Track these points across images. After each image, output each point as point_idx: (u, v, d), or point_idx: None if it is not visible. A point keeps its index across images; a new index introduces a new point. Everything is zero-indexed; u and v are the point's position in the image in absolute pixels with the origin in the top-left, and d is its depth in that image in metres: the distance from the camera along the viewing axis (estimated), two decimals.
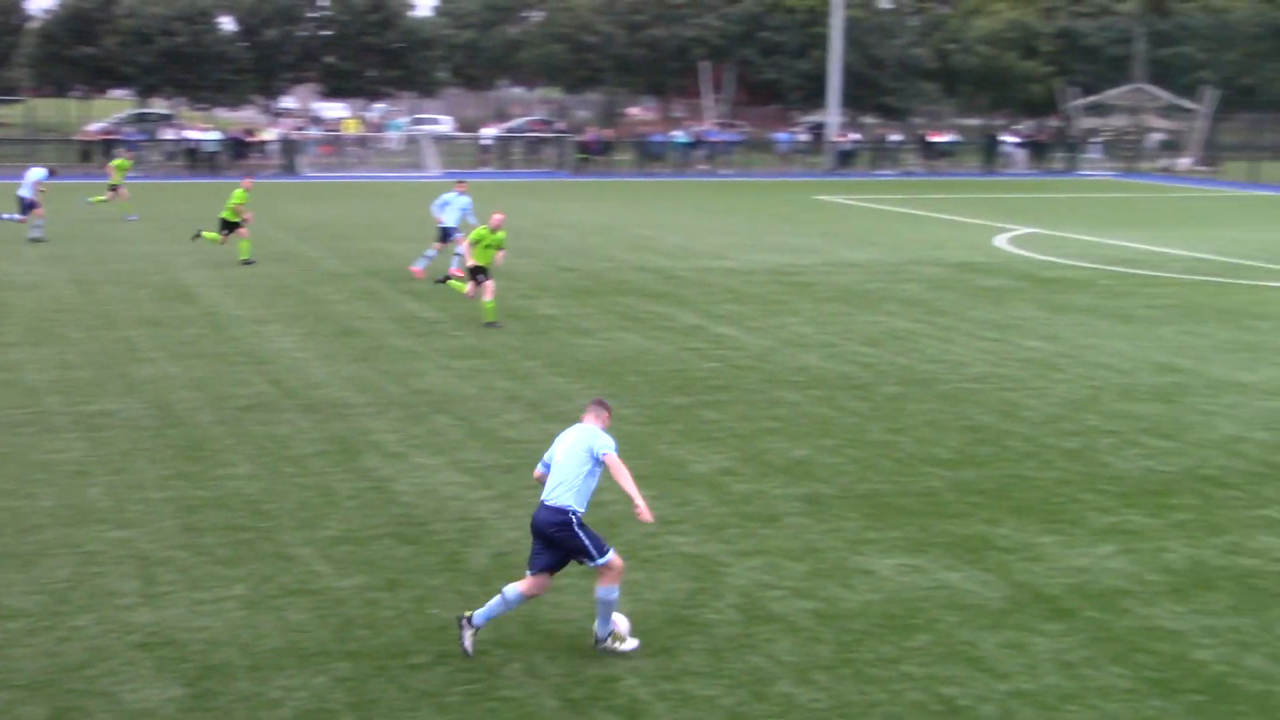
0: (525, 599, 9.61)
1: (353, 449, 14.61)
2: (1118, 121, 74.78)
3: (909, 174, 64.11)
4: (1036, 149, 68.96)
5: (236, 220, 28.55)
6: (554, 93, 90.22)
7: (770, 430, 15.61)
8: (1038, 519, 12.56)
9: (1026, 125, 77.42)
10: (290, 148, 57.70)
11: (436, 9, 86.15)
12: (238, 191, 28.71)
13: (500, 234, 22.01)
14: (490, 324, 21.70)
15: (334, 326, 21.66)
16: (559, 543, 9.45)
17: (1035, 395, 17.57)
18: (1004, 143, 69.13)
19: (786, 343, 20.85)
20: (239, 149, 57.78)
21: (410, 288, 25.59)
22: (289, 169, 56.37)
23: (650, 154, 63.12)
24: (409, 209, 39.51)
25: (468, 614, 9.64)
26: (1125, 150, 71.80)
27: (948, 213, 43.52)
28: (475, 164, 61.52)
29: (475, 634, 9.57)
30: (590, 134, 62.86)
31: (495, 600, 9.60)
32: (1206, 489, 13.56)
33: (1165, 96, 72.98)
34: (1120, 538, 12.06)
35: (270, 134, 61.67)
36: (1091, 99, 74.59)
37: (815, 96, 74.10)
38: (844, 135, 67.27)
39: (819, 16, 73.35)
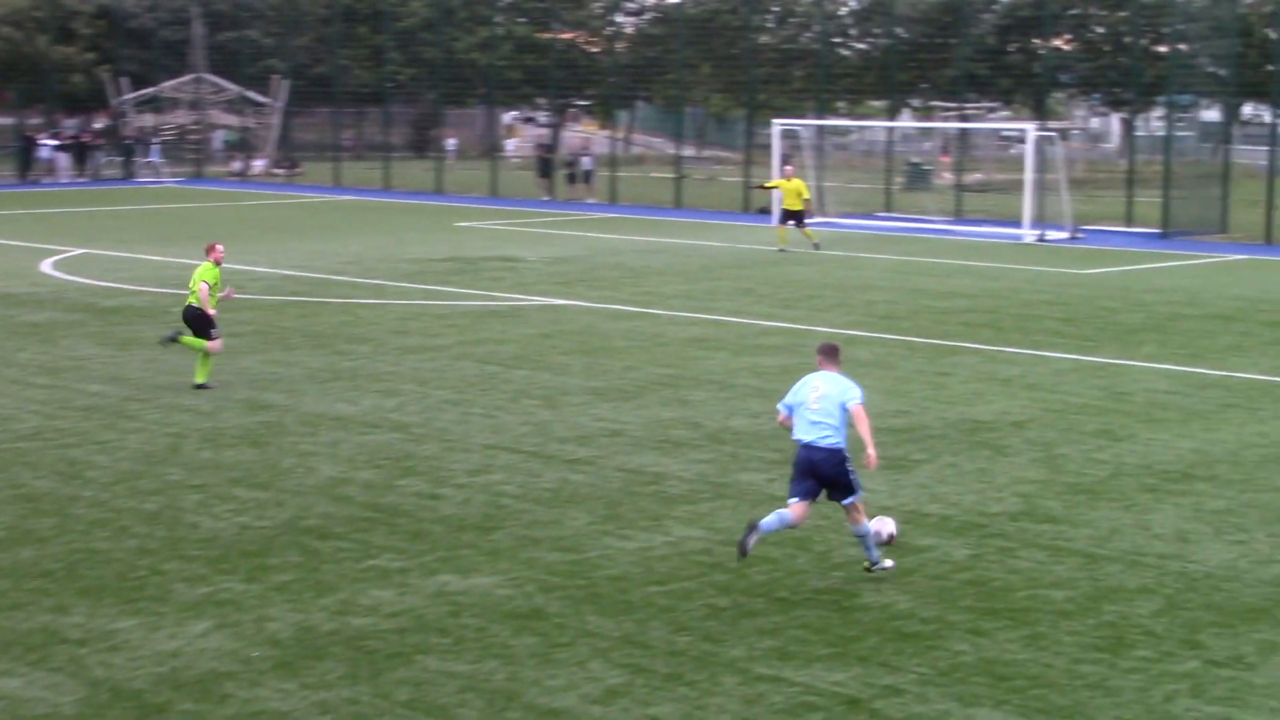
0: (793, 526, 12.96)
1: None
2: (179, 118, 75.95)
3: None
4: (83, 153, 68.51)
5: None
6: None
7: None
8: (116, 599, 12.45)
9: (69, 124, 76.60)
10: None
11: None
12: None
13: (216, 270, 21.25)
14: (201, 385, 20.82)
15: None
16: (831, 478, 12.79)
17: (104, 450, 17.43)
18: (43, 146, 68.04)
19: None
20: None
21: None
22: None
23: None
24: None
25: (755, 520, 12.80)
26: (190, 152, 73.11)
27: None
28: None
29: (757, 539, 12.75)
30: None
31: (774, 517, 12.82)
32: (310, 543, 14.09)
33: (232, 89, 75.10)
34: (216, 610, 12.23)
35: None
36: (146, 92, 75.17)
37: None
38: None
39: None
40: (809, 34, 74.02)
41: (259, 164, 72.81)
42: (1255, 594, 12.81)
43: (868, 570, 13.09)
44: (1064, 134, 58.56)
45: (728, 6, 74.36)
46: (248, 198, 60.04)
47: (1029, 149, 46.51)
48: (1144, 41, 56.28)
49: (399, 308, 28.89)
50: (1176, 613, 12.33)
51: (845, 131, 75.20)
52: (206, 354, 21.12)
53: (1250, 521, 14.94)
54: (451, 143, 78.28)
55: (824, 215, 49.42)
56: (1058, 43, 67.70)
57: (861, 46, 77.48)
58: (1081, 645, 11.61)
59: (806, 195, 42.00)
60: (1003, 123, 67.33)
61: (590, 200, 58.80)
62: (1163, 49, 55.05)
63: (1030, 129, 47.85)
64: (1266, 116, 58.06)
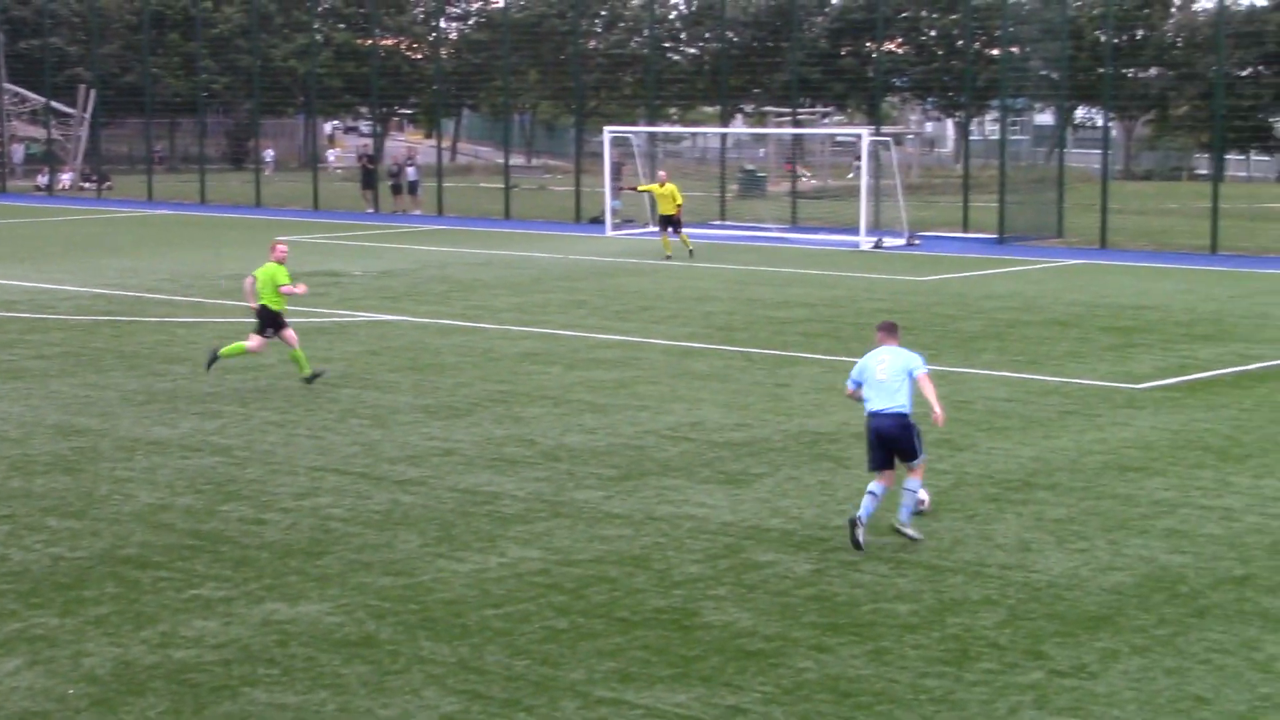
0: (887, 491, 14.59)
1: None
2: None
3: None
4: None
5: None
6: None
7: None
8: None
9: None
10: None
11: None
12: None
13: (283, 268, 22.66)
14: (313, 376, 22.48)
15: None
16: (899, 441, 14.57)
17: None
18: None
19: None
20: None
21: None
22: None
23: None
24: None
25: (855, 515, 14.50)
26: None
27: None
28: None
29: (864, 529, 14.46)
30: None
31: (868, 499, 14.51)
32: (128, 573, 13.87)
33: (35, 99, 73.74)
34: (28, 647, 12.00)
35: None
36: None
37: None
38: None
39: None
40: (638, 39, 74.46)
41: (65, 178, 71.54)
42: (1097, 602, 13.09)
43: (895, 530, 14.69)
44: (899, 139, 59.45)
45: (554, 11, 74.57)
46: (54, 213, 58.93)
47: (864, 154, 47.14)
48: (976, 45, 57.33)
49: (218, 326, 28.54)
50: (1020, 623, 12.57)
51: (678, 138, 75.77)
52: (295, 352, 22.62)
53: (1091, 529, 15.28)
54: (269, 154, 77.58)
55: (658, 225, 49.73)
56: (890, 46, 68.78)
57: (692, 51, 78.10)
58: (926, 659, 11.79)
59: (680, 200, 42.71)
60: (837, 128, 68.21)
61: (416, 212, 58.53)
62: (995, 52, 56.14)
63: (865, 134, 48.51)
64: (1099, 120, 59.46)
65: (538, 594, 13.33)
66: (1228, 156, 67.61)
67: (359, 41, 75.89)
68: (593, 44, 74.30)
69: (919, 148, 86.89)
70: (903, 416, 14.59)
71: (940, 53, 70.76)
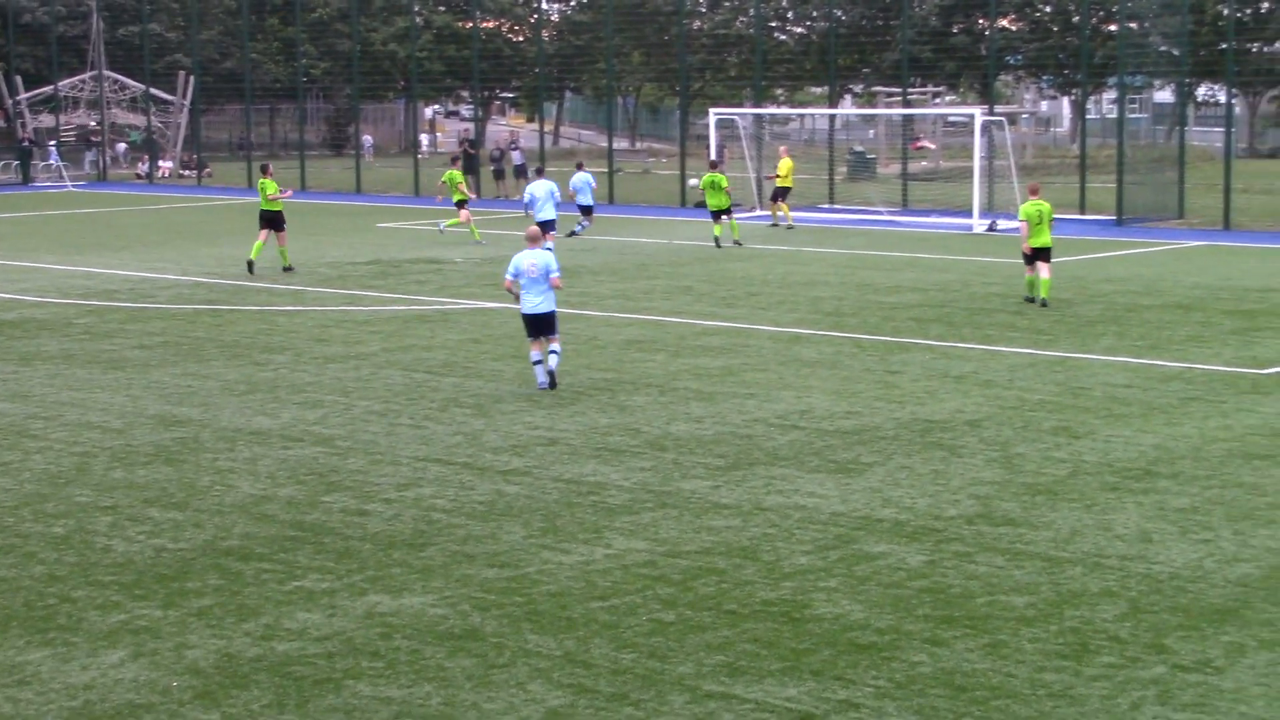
0: None
1: None
2: (80, 119, 75.44)
3: None
4: None
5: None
6: None
7: None
8: (24, 630, 12.34)
9: None
10: None
11: None
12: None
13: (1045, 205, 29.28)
14: (1042, 302, 28.97)
15: None
16: None
17: (6, 473, 17.27)
18: None
19: None
20: None
21: None
22: None
23: None
24: None
25: None
26: (93, 154, 72.59)
27: None
28: None
29: None
30: None
31: None
32: (231, 565, 14.01)
33: (135, 86, 74.63)
34: (131, 639, 12.15)
35: None
36: (43, 91, 74.66)
37: None
38: None
39: None
40: (743, 19, 74.23)
41: (166, 165, 72.37)
42: (1222, 595, 12.92)
43: None
44: (1013, 119, 58.95)
45: None
46: (155, 201, 59.66)
47: (976, 135, 46.77)
48: (1093, 21, 56.69)
49: (319, 314, 28.78)
50: (1141, 616, 12.42)
51: (785, 120, 75.55)
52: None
53: (1215, 519, 15.08)
54: (368, 140, 78.06)
55: (765, 209, 49.57)
56: (1003, 23, 68.17)
57: (799, 31, 77.81)
58: (1044, 653, 11.68)
59: (785, 180, 45.35)
60: (949, 108, 67.70)
61: (518, 198, 58.69)
62: (1112, 28, 55.49)
63: (978, 114, 48.12)
64: (1221, 97, 58.61)
65: (644, 586, 13.33)
66: None
67: (459, 24, 76.16)
68: (697, 24, 74.16)
69: (1034, 127, 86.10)
70: None
71: (1055, 29, 70.02)
